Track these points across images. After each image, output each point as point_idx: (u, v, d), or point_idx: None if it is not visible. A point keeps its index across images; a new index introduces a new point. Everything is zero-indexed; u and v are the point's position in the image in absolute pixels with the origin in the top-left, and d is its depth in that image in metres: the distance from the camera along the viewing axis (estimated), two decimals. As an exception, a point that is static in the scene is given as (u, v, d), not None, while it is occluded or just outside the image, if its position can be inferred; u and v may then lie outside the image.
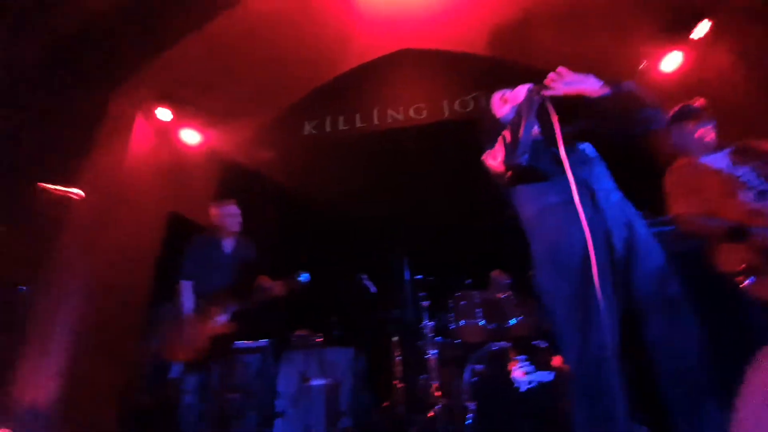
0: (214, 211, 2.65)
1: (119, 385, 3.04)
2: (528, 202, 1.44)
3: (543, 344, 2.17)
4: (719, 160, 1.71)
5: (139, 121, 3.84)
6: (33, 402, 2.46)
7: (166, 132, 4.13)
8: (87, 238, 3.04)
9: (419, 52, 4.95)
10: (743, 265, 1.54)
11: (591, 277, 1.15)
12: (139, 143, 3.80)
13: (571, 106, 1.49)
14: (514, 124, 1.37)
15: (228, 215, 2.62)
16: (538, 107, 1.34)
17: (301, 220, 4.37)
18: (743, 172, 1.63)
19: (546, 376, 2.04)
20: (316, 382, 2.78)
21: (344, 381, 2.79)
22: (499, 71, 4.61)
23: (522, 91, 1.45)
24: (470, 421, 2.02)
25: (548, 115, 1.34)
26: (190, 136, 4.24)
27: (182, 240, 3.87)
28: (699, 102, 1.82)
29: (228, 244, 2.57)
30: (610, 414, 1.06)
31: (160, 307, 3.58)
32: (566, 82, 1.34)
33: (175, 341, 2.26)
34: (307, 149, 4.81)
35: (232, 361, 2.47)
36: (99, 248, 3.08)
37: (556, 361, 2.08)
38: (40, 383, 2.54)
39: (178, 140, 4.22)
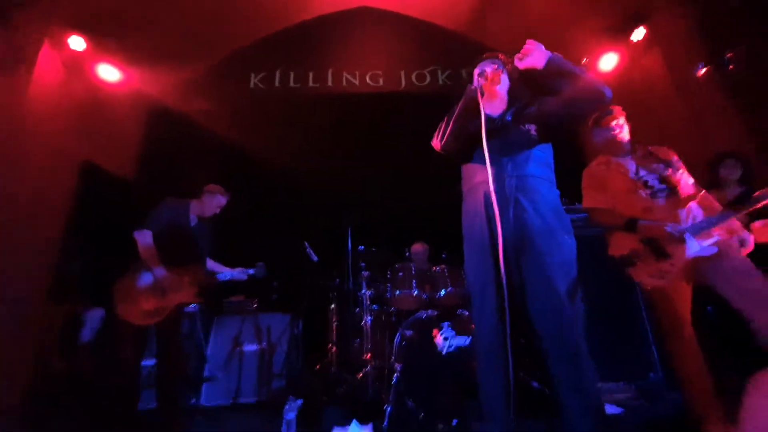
0: (205, 192, 2.42)
1: (30, 348, 2.75)
2: (464, 180, 1.57)
3: (465, 313, 2.38)
4: (630, 162, 1.95)
5: (46, 49, 3.22)
6: None
7: (79, 65, 3.53)
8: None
9: (381, 13, 4.71)
10: (627, 252, 1.82)
11: (488, 253, 1.33)
12: (45, 74, 3.21)
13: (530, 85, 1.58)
14: (451, 112, 1.49)
15: (217, 204, 2.45)
16: (474, 99, 1.42)
17: (244, 179, 4.12)
18: (645, 173, 1.87)
19: (464, 340, 2.26)
20: (249, 347, 2.77)
21: (279, 345, 2.82)
22: (459, 48, 4.59)
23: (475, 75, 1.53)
24: (396, 380, 2.19)
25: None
26: (109, 73, 3.68)
27: (97, 193, 3.47)
28: (616, 108, 2.01)
29: (194, 218, 2.38)
30: (498, 371, 1.26)
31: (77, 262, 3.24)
32: (521, 58, 1.42)
33: (142, 300, 2.08)
34: (253, 104, 4.45)
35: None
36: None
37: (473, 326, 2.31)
38: None
39: (94, 76, 3.64)
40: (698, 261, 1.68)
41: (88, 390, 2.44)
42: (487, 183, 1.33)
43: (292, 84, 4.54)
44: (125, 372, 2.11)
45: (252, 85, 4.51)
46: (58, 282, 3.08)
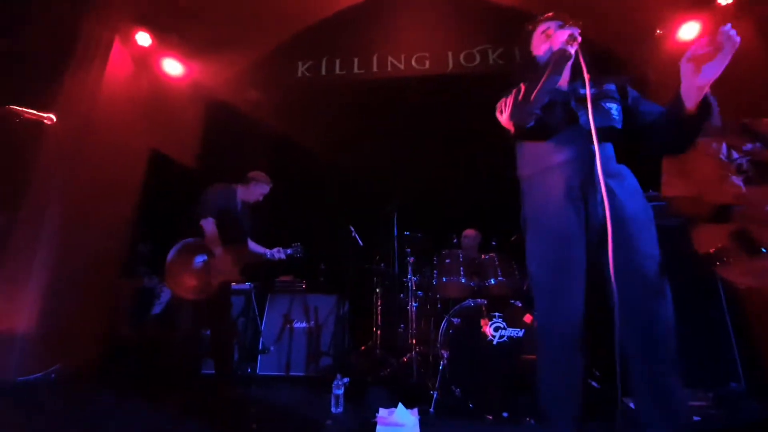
0: (251, 179, 2.58)
1: (101, 319, 3.10)
2: (528, 162, 1.38)
3: (518, 303, 2.27)
4: (719, 141, 1.68)
5: (117, 45, 3.51)
6: (9, 330, 2.50)
7: (146, 59, 3.81)
8: (61, 166, 2.90)
9: (425, -7, 4.55)
10: (714, 249, 1.59)
11: (568, 245, 1.18)
12: (116, 69, 3.51)
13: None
14: (534, 78, 1.25)
15: (261, 192, 2.59)
16: (563, 62, 1.19)
17: (293, 165, 4.25)
18: (738, 155, 1.62)
19: (517, 332, 2.16)
20: (299, 324, 2.89)
21: (326, 325, 2.91)
22: (512, 25, 4.27)
23: (564, 35, 1.23)
24: (442, 367, 2.17)
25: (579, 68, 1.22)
26: (172, 67, 3.94)
27: (164, 179, 3.77)
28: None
29: (239, 203, 2.54)
30: (568, 371, 1.14)
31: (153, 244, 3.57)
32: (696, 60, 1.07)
33: (192, 277, 2.27)
34: (301, 92, 4.54)
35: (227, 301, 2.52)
36: (74, 177, 2.95)
37: (527, 318, 2.20)
38: (16, 313, 2.56)
39: (160, 70, 3.92)
40: None
41: (154, 355, 2.71)
42: (567, 165, 1.20)
43: (337, 71, 4.56)
44: (186, 340, 2.31)
45: (299, 74, 4.59)
46: (130, 260, 3.42)
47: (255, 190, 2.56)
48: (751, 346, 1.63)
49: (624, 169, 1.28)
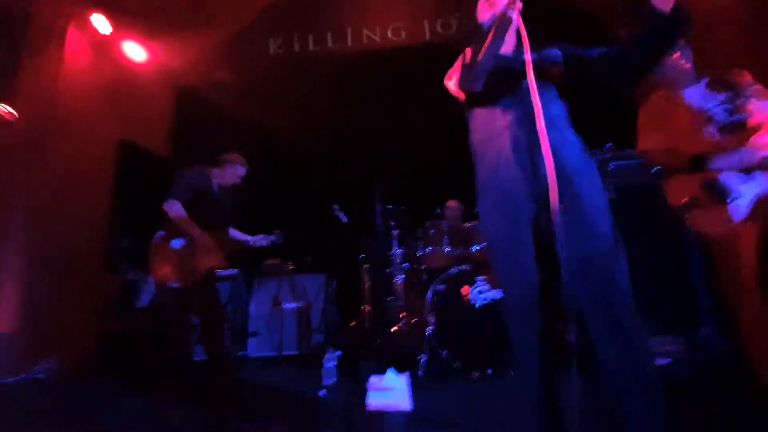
0: (225, 161, 2.49)
1: (89, 315, 3.06)
2: (478, 128, 1.38)
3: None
4: (693, 92, 1.69)
5: (72, 32, 3.30)
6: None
7: (106, 46, 3.61)
8: (25, 161, 2.78)
9: (398, -41, 4.37)
10: (686, 199, 1.63)
11: (517, 204, 1.19)
12: (74, 57, 3.32)
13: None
14: (477, 43, 1.26)
15: (236, 174, 2.50)
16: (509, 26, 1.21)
17: (269, 147, 4.16)
18: (713, 105, 1.63)
19: (500, 293, 2.22)
20: (288, 305, 2.92)
21: (315, 303, 2.94)
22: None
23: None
24: (429, 332, 2.23)
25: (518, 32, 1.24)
26: (135, 51, 3.74)
27: (138, 170, 3.66)
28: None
29: (215, 186, 2.46)
30: (528, 337, 1.17)
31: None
32: None
33: (174, 262, 2.23)
34: (274, 70, 4.39)
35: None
36: (40, 172, 2.83)
37: (464, 290, 2.26)
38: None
39: (121, 55, 3.73)
40: None
41: (145, 347, 2.71)
42: (513, 125, 1.21)
43: (311, 47, 4.40)
44: (175, 329, 2.30)
45: (272, 51, 4.42)
46: (110, 256, 3.36)
47: (230, 172, 2.49)
48: (719, 292, 1.71)
49: (566, 125, 1.29)
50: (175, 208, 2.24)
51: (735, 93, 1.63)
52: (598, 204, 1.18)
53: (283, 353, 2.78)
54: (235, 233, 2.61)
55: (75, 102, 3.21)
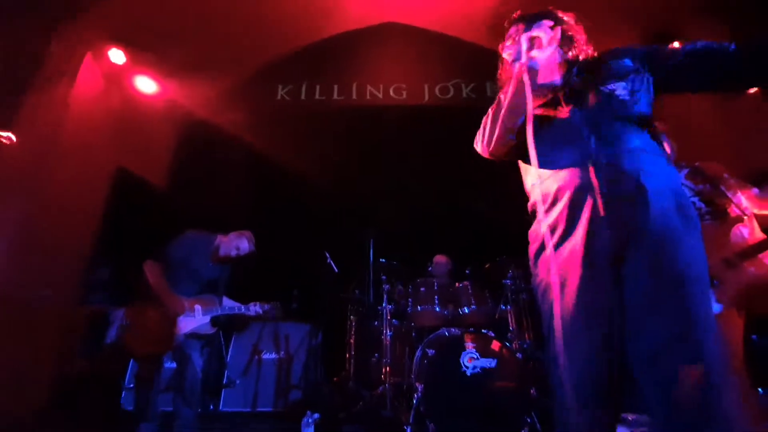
0: (234, 233, 2.45)
1: (50, 355, 2.82)
2: (525, 178, 1.18)
3: (490, 333, 2.29)
4: None
5: (88, 61, 3.41)
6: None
7: (119, 77, 3.71)
8: (18, 185, 2.71)
9: (405, 28, 4.77)
10: None
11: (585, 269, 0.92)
12: (86, 86, 3.39)
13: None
14: (498, 103, 1.11)
15: (236, 246, 2.43)
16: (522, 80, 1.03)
17: (269, 189, 4.19)
18: (691, 194, 1.76)
19: (489, 362, 2.17)
20: (268, 356, 2.77)
21: (297, 355, 2.80)
22: (483, 61, 4.54)
23: (524, 41, 1.08)
24: (416, 401, 2.12)
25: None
26: (146, 85, 3.85)
27: (130, 197, 3.60)
28: (658, 123, 1.92)
29: (214, 252, 2.41)
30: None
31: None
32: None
33: (143, 331, 2.13)
34: (279, 116, 4.56)
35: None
36: (32, 198, 2.75)
37: (495, 346, 2.22)
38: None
39: (132, 88, 3.83)
40: (753, 288, 1.56)
41: (110, 389, 2.49)
42: (566, 174, 0.98)
43: (317, 96, 4.63)
44: (139, 376, 2.14)
45: (279, 97, 4.62)
46: (84, 286, 3.18)
47: (233, 244, 2.41)
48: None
49: (652, 161, 0.98)
50: (153, 271, 2.17)
51: (713, 184, 1.76)
52: (688, 273, 0.86)
53: (258, 409, 2.58)
54: (227, 302, 2.51)
55: (80, 129, 3.22)
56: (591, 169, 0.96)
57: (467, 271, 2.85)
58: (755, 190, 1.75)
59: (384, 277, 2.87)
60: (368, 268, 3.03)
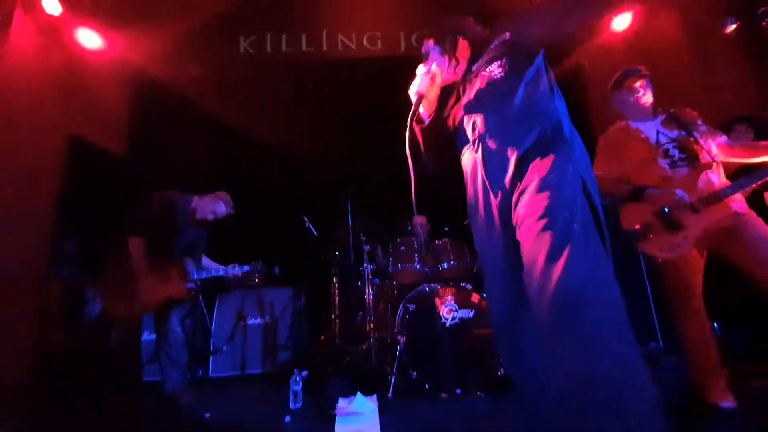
0: (210, 194, 2.32)
1: (28, 326, 2.76)
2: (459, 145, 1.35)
3: (468, 286, 2.38)
4: (650, 127, 1.82)
5: (18, 14, 2.97)
6: None
7: (56, 31, 3.28)
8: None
9: (378, -32, 4.35)
10: (639, 226, 1.75)
11: (486, 220, 1.16)
12: (20, 41, 2.99)
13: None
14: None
15: (212, 210, 2.30)
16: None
17: (236, 151, 3.98)
18: (667, 140, 1.76)
19: (467, 313, 2.27)
20: (254, 321, 2.79)
21: (283, 319, 2.84)
22: (464, 5, 4.25)
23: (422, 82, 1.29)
24: (399, 352, 2.22)
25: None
26: (89, 39, 3.44)
27: (89, 168, 3.36)
28: (640, 68, 1.86)
29: (192, 214, 2.30)
30: (518, 353, 1.11)
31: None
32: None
33: (127, 298, 2.07)
34: (244, 70, 4.20)
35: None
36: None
37: (475, 298, 2.32)
38: None
39: (74, 43, 3.41)
40: (714, 231, 1.62)
41: (92, 364, 2.48)
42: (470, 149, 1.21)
43: (284, 48, 4.27)
44: (125, 350, 2.13)
45: (242, 49, 4.23)
46: (55, 260, 3.05)
47: (210, 207, 2.30)
48: (667, 310, 1.85)
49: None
50: (137, 249, 2.08)
51: (687, 131, 1.77)
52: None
53: (247, 372, 2.65)
54: (207, 262, 2.45)
55: (19, 90, 2.90)
56: None
57: (446, 229, 2.87)
58: (724, 138, 1.77)
59: (364, 238, 2.87)
60: (348, 229, 3.00)
